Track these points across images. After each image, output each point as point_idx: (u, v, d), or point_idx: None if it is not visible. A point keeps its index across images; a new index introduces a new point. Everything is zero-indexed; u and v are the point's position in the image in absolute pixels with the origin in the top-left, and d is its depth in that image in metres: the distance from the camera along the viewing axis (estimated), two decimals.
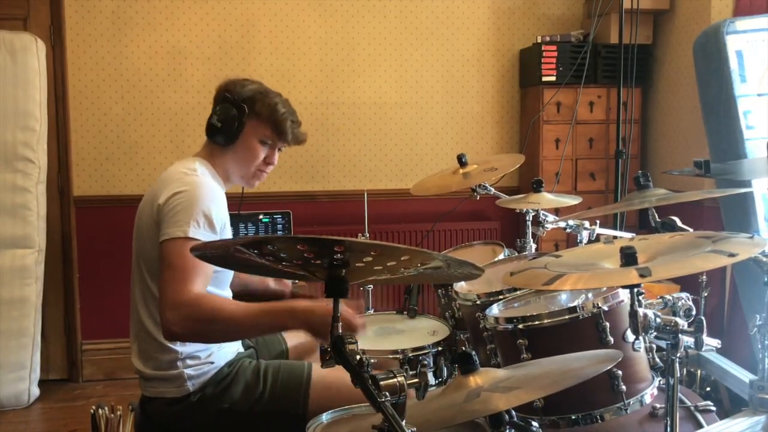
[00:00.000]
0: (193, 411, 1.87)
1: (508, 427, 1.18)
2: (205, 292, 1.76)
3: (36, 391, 3.55)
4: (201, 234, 1.78)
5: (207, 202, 1.82)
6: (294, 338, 2.27)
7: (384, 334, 2.08)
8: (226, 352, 1.94)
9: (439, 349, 1.91)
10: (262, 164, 2.01)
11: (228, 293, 2.03)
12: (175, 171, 1.91)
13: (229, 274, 2.00)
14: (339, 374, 1.83)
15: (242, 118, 1.94)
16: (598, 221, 2.23)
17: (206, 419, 1.87)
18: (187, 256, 1.70)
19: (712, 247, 1.21)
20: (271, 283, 2.33)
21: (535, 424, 1.49)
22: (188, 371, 1.86)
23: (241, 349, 2.03)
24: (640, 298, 1.27)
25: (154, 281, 1.87)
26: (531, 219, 2.36)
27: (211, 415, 1.87)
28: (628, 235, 2.45)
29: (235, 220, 2.33)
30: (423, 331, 2.06)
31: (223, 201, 1.94)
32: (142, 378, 1.92)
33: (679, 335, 1.28)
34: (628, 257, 1.23)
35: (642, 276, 1.14)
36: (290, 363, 1.99)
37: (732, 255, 1.15)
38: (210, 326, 1.72)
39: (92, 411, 2.26)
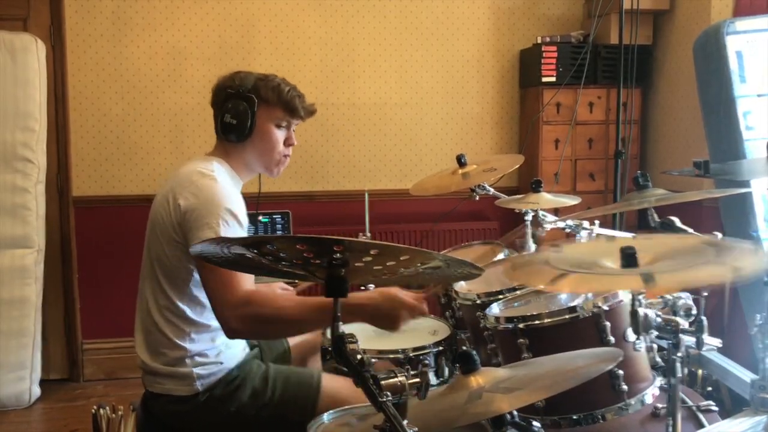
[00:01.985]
0: (200, 411, 1.86)
1: (509, 427, 1.18)
2: (255, 289, 1.80)
3: (37, 391, 3.56)
4: (231, 231, 1.80)
5: (227, 201, 1.83)
6: (295, 338, 2.27)
7: (384, 334, 2.07)
8: (235, 352, 1.94)
9: (440, 348, 1.91)
10: (284, 148, 2.03)
11: None
12: (192, 171, 1.90)
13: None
14: (348, 385, 1.85)
15: (254, 108, 1.94)
16: (597, 221, 2.23)
17: (212, 420, 1.87)
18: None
19: (716, 257, 1.20)
20: (278, 290, 2.34)
21: (536, 424, 1.49)
22: (198, 370, 1.86)
23: (247, 349, 2.03)
24: (641, 297, 1.27)
25: (167, 280, 1.88)
26: (530, 219, 2.35)
27: (217, 417, 1.87)
28: (628, 235, 2.45)
29: None
30: (423, 331, 2.06)
31: (241, 201, 1.94)
32: (147, 373, 1.92)
33: (680, 335, 1.28)
34: (628, 257, 1.22)
35: (646, 282, 1.14)
36: (300, 371, 1.99)
37: (737, 269, 1.14)
38: (268, 325, 1.78)
39: (93, 411, 2.25)
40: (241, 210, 1.87)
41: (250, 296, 1.75)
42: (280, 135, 2.00)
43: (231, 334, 1.78)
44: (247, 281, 1.77)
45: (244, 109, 1.93)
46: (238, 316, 1.73)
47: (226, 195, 1.85)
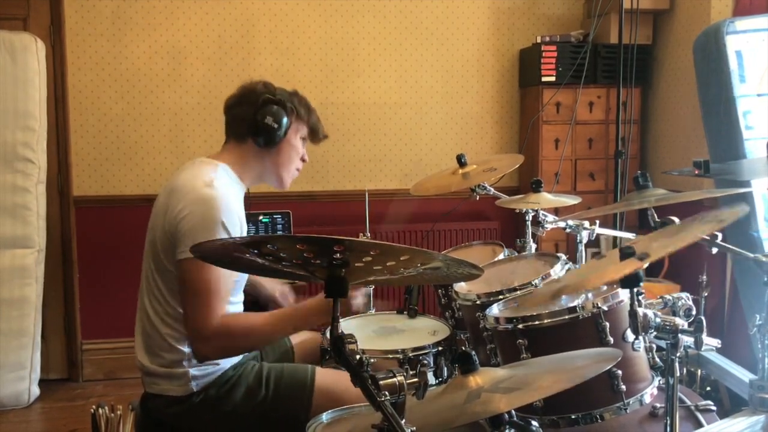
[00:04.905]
0: (195, 411, 1.87)
1: (507, 426, 1.18)
2: (227, 315, 1.83)
3: (36, 391, 3.56)
4: None
5: (221, 215, 1.81)
6: (298, 336, 2.27)
7: (384, 334, 2.08)
8: None
9: (440, 349, 1.91)
10: (299, 162, 2.08)
11: (240, 297, 2.04)
12: (193, 179, 1.87)
13: (243, 282, 2.03)
14: (342, 380, 1.86)
15: (291, 117, 1.98)
16: (597, 221, 2.23)
17: (207, 420, 1.87)
18: (206, 279, 1.77)
19: (700, 222, 1.22)
20: (277, 296, 2.35)
21: (535, 423, 1.49)
22: (193, 371, 1.87)
23: None
24: (640, 297, 1.27)
25: (167, 286, 1.88)
26: (530, 219, 2.36)
27: (212, 417, 1.87)
28: (629, 235, 2.45)
29: None
30: (423, 331, 2.06)
31: (239, 210, 1.93)
32: (145, 374, 1.92)
33: (679, 335, 1.28)
34: (627, 256, 1.23)
35: (641, 259, 1.14)
36: (294, 367, 2.00)
37: (721, 221, 1.16)
38: (239, 348, 1.89)
39: (92, 411, 2.25)
40: (234, 223, 1.86)
41: (224, 328, 1.79)
42: (301, 149, 2.06)
43: (200, 360, 1.85)
44: (221, 307, 1.81)
45: (284, 117, 1.95)
46: (209, 347, 1.80)
47: (222, 207, 1.82)
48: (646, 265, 1.14)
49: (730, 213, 1.20)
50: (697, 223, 1.22)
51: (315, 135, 2.07)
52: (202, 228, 1.79)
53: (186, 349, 1.86)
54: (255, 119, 1.93)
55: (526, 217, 2.36)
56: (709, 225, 1.17)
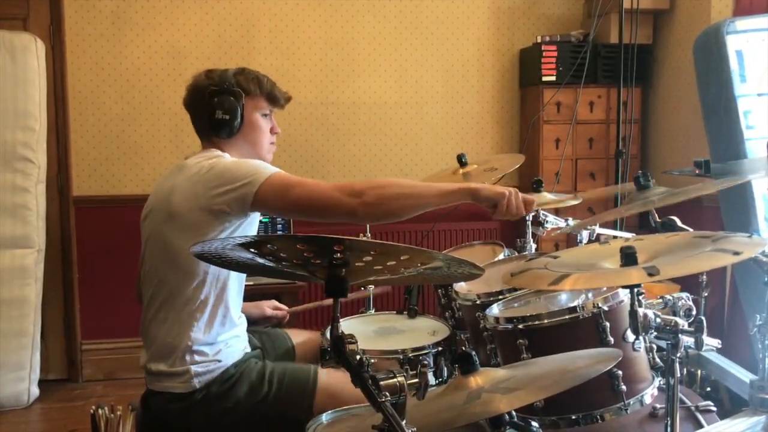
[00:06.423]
0: (197, 408, 1.86)
1: (508, 427, 1.18)
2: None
3: (36, 391, 3.55)
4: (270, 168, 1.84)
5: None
6: (299, 336, 2.27)
7: (384, 334, 2.08)
8: (233, 351, 1.94)
9: (439, 349, 1.91)
10: (270, 136, 2.07)
11: (243, 321, 2.03)
12: (199, 161, 1.90)
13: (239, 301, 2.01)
14: (345, 380, 1.84)
15: (241, 101, 1.97)
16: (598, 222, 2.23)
17: (209, 417, 1.87)
18: (283, 176, 1.81)
19: (713, 246, 1.21)
20: (267, 310, 2.35)
21: (535, 424, 1.49)
22: (196, 368, 1.86)
23: (248, 349, 2.03)
24: (640, 298, 1.27)
25: (184, 270, 1.85)
26: (531, 219, 2.35)
27: (214, 414, 1.87)
28: (629, 235, 2.45)
29: None
30: (423, 331, 2.06)
31: None
32: (149, 371, 1.92)
33: (680, 335, 1.28)
34: (628, 257, 1.22)
35: (650, 275, 1.14)
36: (296, 367, 1.99)
37: (736, 253, 1.15)
38: (392, 193, 1.78)
39: (92, 411, 2.25)
40: None
41: (340, 184, 1.79)
42: (265, 124, 2.04)
43: (363, 211, 1.76)
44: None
45: (233, 104, 1.96)
46: (354, 193, 1.75)
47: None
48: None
49: (747, 245, 1.18)
50: (710, 247, 1.21)
51: (276, 103, 2.04)
52: (236, 164, 1.85)
53: (194, 336, 1.85)
54: (208, 116, 1.96)
55: (527, 217, 2.35)
56: (724, 256, 1.16)
